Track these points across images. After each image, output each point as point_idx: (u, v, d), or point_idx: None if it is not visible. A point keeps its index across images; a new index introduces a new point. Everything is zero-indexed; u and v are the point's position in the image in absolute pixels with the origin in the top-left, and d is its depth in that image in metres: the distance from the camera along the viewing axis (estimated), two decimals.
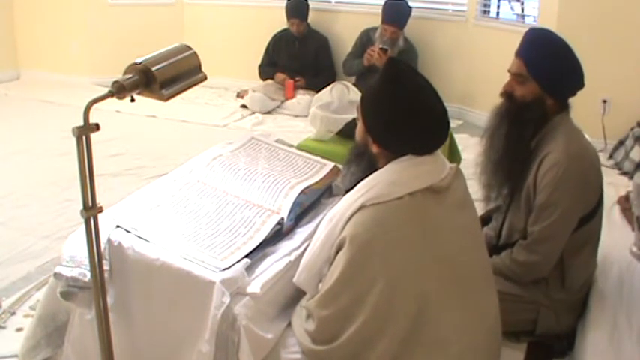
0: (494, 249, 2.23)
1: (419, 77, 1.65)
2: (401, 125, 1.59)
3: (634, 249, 2.58)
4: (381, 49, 4.56)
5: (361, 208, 1.57)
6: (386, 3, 4.75)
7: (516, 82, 2.09)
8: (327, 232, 1.64)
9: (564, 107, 2.11)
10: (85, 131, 1.36)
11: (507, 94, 2.12)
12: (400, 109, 1.58)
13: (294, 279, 1.70)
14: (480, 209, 2.45)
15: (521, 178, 2.13)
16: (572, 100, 2.15)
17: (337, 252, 1.59)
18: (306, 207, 2.02)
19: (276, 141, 2.39)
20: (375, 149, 1.64)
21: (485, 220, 2.43)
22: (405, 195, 1.56)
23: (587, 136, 2.17)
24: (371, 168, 1.65)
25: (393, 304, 1.53)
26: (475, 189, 2.23)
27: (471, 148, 4.15)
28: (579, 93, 2.13)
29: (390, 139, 1.62)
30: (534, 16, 4.60)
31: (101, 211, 1.44)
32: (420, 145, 1.61)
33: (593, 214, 2.10)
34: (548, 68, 2.05)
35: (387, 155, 1.63)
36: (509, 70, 2.12)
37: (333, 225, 1.63)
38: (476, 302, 1.64)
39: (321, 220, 1.88)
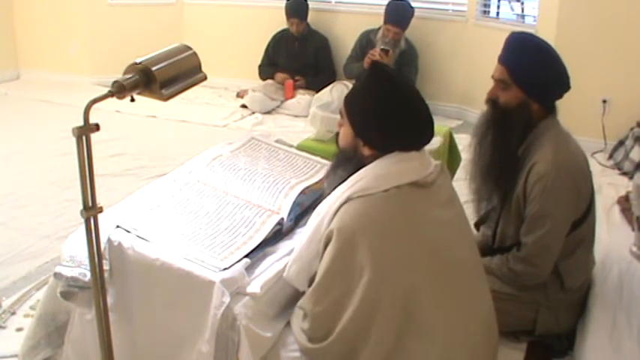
0: (490, 250, 2.23)
1: (401, 77, 1.71)
2: (390, 124, 1.61)
3: (634, 249, 2.58)
4: (382, 49, 4.56)
5: (348, 200, 1.59)
6: (389, 3, 4.75)
7: (500, 88, 2.06)
8: (315, 226, 1.66)
9: (550, 111, 2.08)
10: (85, 131, 1.35)
11: (492, 101, 2.09)
12: (388, 109, 1.61)
13: (284, 274, 1.70)
14: (469, 210, 2.45)
15: (510, 186, 2.10)
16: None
17: (325, 246, 1.61)
18: (306, 207, 2.02)
19: (276, 141, 2.39)
20: (366, 151, 1.66)
21: (484, 219, 2.43)
22: (391, 188, 1.59)
23: (576, 138, 2.13)
24: (358, 170, 1.66)
25: (382, 295, 1.54)
26: (467, 190, 2.24)
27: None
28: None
29: (380, 139, 1.64)
30: (534, 16, 4.60)
31: (101, 211, 1.44)
32: (409, 141, 1.65)
33: (584, 218, 2.09)
34: (532, 74, 2.01)
35: (376, 155, 1.65)
36: (492, 76, 2.09)
37: (320, 218, 1.65)
38: (465, 293, 1.66)
39: None
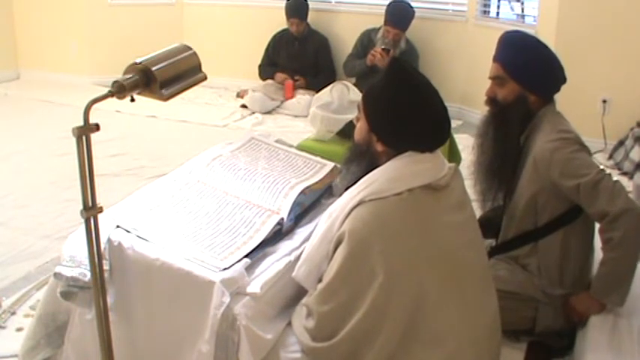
0: (494, 250, 2.23)
1: (421, 76, 1.69)
2: (405, 122, 1.61)
3: None
4: (383, 49, 4.57)
5: (360, 203, 1.59)
6: (390, 4, 4.76)
7: (496, 85, 2.13)
8: (327, 227, 1.66)
9: (548, 102, 2.13)
10: (85, 131, 1.35)
11: (491, 99, 2.16)
12: (405, 106, 1.61)
13: (293, 273, 1.71)
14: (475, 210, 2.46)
15: (514, 176, 2.14)
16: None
17: (336, 248, 1.61)
18: (306, 207, 2.02)
19: (276, 141, 2.39)
20: (379, 147, 1.66)
21: (483, 224, 2.42)
22: (404, 191, 1.59)
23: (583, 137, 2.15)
24: (371, 167, 1.67)
25: (392, 299, 1.54)
26: (472, 189, 2.25)
27: (470, 148, 4.12)
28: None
29: (394, 136, 1.64)
30: (534, 16, 4.60)
31: (101, 211, 1.44)
32: (423, 142, 1.64)
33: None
34: (524, 64, 2.08)
35: (389, 153, 1.65)
36: (489, 77, 2.15)
37: (332, 220, 1.65)
38: (474, 299, 1.65)
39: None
